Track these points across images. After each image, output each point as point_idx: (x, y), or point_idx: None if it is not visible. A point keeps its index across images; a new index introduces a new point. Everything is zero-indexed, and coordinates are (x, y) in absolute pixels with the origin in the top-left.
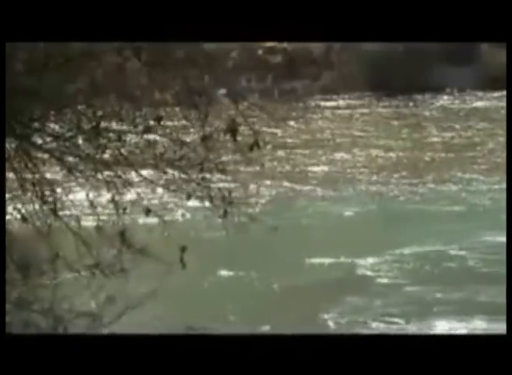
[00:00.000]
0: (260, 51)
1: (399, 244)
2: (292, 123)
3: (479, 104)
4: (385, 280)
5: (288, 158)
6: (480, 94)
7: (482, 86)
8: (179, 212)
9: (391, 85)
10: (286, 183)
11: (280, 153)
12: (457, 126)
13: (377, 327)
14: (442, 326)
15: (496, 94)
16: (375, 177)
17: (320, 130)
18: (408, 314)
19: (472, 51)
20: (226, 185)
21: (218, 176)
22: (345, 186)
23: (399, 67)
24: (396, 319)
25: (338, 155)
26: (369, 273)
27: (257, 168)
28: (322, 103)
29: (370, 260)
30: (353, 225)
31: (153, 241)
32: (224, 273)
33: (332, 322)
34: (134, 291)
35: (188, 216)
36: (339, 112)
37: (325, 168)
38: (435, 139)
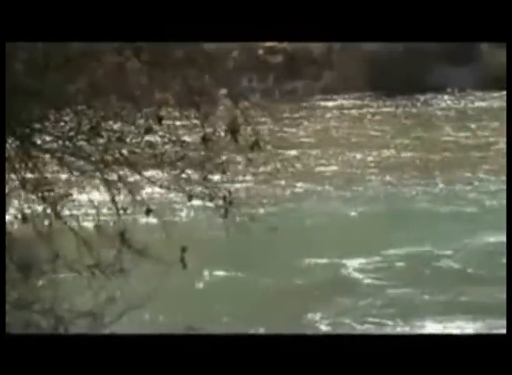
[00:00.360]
0: (260, 51)
1: (393, 245)
2: (305, 123)
3: (489, 104)
4: (370, 281)
5: (300, 158)
6: (488, 94)
7: (482, 86)
8: (184, 211)
9: (391, 85)
10: (300, 184)
11: (293, 152)
12: (473, 126)
13: (362, 328)
14: (429, 327)
15: (496, 94)
16: (386, 177)
17: (331, 130)
18: (392, 315)
19: (472, 51)
20: (235, 186)
21: (228, 176)
22: (357, 186)
23: (399, 67)
24: (383, 320)
25: (351, 155)
26: (357, 274)
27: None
28: (328, 103)
29: (360, 261)
30: (356, 225)
31: (153, 240)
32: (215, 273)
33: (320, 323)
34: (133, 291)
35: (192, 214)
36: (352, 111)
37: (339, 168)
38: (448, 138)
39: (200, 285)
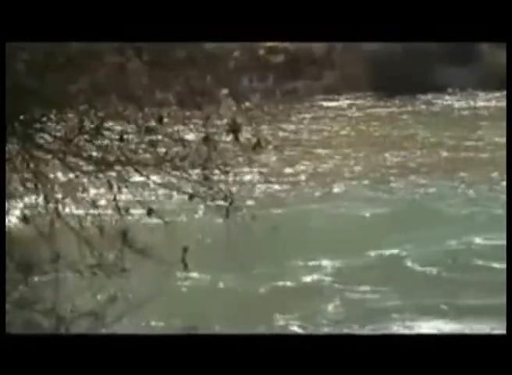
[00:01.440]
0: (261, 51)
1: (378, 246)
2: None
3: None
4: (331, 285)
5: (329, 158)
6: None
7: (483, 86)
8: (185, 211)
9: (392, 85)
10: (327, 183)
11: (318, 152)
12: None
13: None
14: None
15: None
16: (415, 177)
17: (360, 130)
18: (353, 318)
19: (472, 51)
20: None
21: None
22: (385, 186)
23: (399, 67)
24: (347, 324)
25: (376, 155)
26: (329, 278)
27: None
28: (336, 103)
29: (338, 263)
30: (361, 227)
31: (155, 240)
32: (191, 274)
33: (288, 326)
34: (134, 291)
35: (193, 214)
36: (373, 110)
37: (370, 168)
38: (482, 138)
39: (173, 285)
